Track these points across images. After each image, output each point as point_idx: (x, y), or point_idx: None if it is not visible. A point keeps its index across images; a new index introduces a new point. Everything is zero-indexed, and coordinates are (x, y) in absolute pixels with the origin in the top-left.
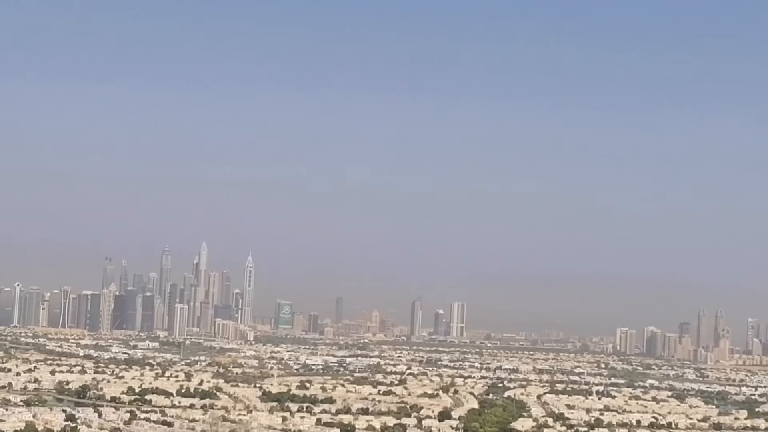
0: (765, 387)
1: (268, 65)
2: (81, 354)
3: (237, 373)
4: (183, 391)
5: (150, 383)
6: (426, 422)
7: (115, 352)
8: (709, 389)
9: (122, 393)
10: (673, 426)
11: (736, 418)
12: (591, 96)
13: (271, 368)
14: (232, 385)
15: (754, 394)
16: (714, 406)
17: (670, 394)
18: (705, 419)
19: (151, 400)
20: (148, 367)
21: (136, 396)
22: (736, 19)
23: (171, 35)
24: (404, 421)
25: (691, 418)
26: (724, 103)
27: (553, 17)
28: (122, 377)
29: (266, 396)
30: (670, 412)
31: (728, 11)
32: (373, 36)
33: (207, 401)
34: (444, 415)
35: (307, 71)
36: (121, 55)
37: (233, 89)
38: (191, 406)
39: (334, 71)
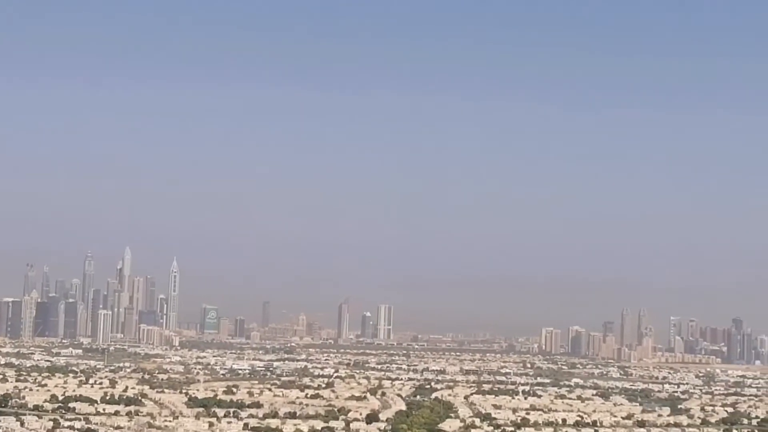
0: (687, 384)
1: (189, 62)
2: (2, 362)
3: (162, 379)
4: (107, 398)
5: (74, 390)
6: (354, 425)
7: (38, 360)
8: (633, 387)
9: (45, 401)
10: (598, 424)
11: (660, 415)
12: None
13: (197, 373)
14: (157, 391)
15: (676, 392)
16: (638, 404)
17: (594, 392)
18: (629, 417)
19: (75, 408)
20: (71, 375)
21: (60, 404)
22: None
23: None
24: (332, 424)
25: (615, 416)
26: (631, 101)
27: (552, 17)
28: (45, 385)
29: (192, 402)
30: (595, 411)
31: (728, 11)
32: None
33: (132, 408)
34: (371, 418)
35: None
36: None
37: (160, 88)
38: (116, 413)
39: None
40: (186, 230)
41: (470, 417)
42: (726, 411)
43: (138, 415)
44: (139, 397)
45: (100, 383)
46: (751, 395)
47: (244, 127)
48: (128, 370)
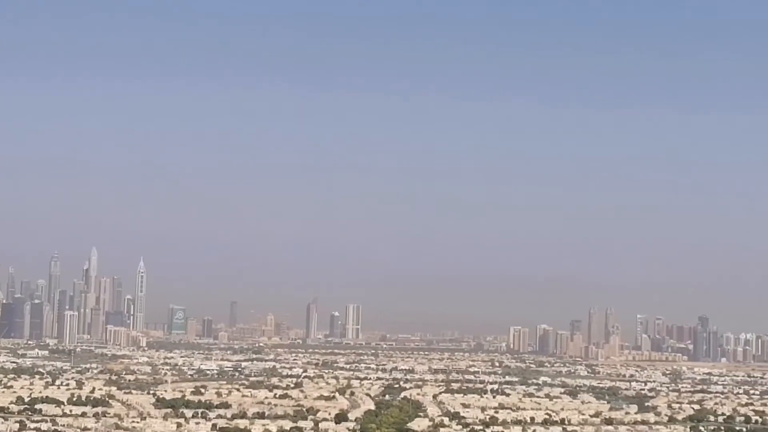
0: (654, 382)
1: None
2: None
3: (130, 380)
4: (74, 399)
5: (40, 392)
6: (322, 425)
7: (3, 361)
8: (601, 385)
9: (11, 403)
10: (566, 422)
11: (627, 413)
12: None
13: (165, 374)
14: (124, 392)
15: (643, 389)
16: (605, 402)
17: (562, 390)
18: (597, 414)
19: (41, 410)
20: (37, 376)
21: (26, 405)
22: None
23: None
24: (300, 424)
25: (583, 414)
26: (612, 99)
27: (551, 17)
28: (11, 387)
29: (160, 402)
30: (563, 409)
31: (727, 9)
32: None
33: (99, 409)
34: (340, 417)
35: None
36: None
37: (124, 89)
38: (83, 414)
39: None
40: (153, 230)
41: (439, 416)
42: (692, 408)
43: (105, 416)
44: (107, 399)
45: (67, 385)
46: (717, 393)
47: (211, 128)
48: (95, 371)
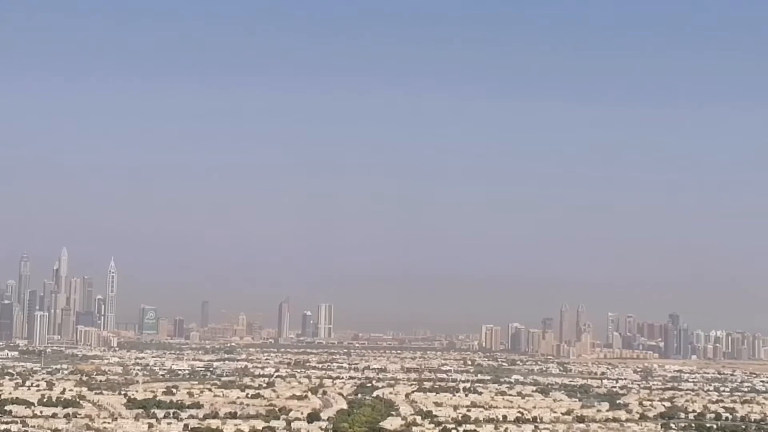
0: (625, 379)
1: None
2: None
3: (101, 381)
4: (45, 400)
5: (10, 393)
6: (295, 424)
7: None
8: (572, 383)
9: None
10: (538, 420)
11: (599, 411)
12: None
13: (136, 374)
14: (95, 393)
15: (615, 387)
16: (577, 399)
17: (534, 388)
18: (568, 412)
19: (11, 411)
20: (7, 377)
21: None
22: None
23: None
24: (273, 423)
25: (555, 412)
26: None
27: (549, 16)
28: None
29: (131, 403)
30: (535, 407)
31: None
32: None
33: (70, 410)
34: (313, 417)
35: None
36: None
37: (96, 89)
38: (54, 415)
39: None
40: (123, 230)
41: (411, 415)
42: (663, 405)
43: (76, 417)
44: (77, 399)
45: (37, 386)
46: (687, 390)
47: (183, 128)
48: (66, 371)
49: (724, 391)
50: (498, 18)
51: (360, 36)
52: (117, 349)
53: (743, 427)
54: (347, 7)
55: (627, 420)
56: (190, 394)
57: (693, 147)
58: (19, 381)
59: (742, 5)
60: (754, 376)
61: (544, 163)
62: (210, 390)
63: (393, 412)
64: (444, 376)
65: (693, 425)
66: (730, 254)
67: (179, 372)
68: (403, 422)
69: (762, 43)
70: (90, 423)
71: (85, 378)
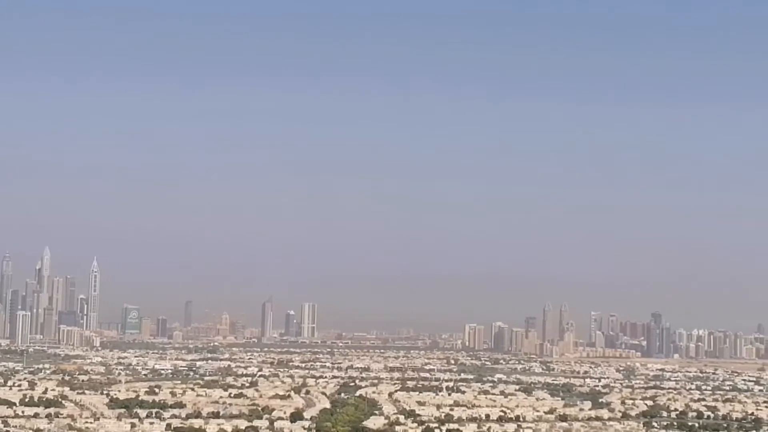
0: (608, 378)
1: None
2: None
3: (83, 380)
4: (26, 400)
5: None
6: (278, 424)
7: None
8: (555, 382)
9: None
10: (521, 419)
11: (581, 409)
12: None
13: (119, 374)
14: (78, 393)
15: (597, 385)
16: (560, 398)
17: (517, 387)
18: (551, 411)
19: None
20: None
21: None
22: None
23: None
24: (256, 423)
25: (538, 411)
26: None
27: (547, 16)
28: None
29: (114, 403)
30: (518, 406)
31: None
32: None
33: (52, 410)
34: (296, 416)
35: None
36: None
37: (77, 88)
38: (35, 415)
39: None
40: (106, 229)
41: (394, 414)
42: (646, 404)
43: (58, 417)
44: (60, 399)
45: (19, 385)
46: (669, 388)
47: (166, 128)
48: (48, 371)
49: (706, 389)
50: (497, 18)
51: (360, 36)
52: (99, 348)
53: (725, 425)
54: (347, 7)
55: (609, 419)
56: (173, 394)
57: (685, 146)
58: (1, 381)
59: (743, 5)
60: (736, 374)
61: (528, 163)
62: (193, 390)
63: (376, 412)
64: (427, 375)
65: (675, 424)
66: (712, 253)
67: (162, 372)
68: (387, 421)
69: (762, 43)
70: (72, 423)
71: (67, 378)
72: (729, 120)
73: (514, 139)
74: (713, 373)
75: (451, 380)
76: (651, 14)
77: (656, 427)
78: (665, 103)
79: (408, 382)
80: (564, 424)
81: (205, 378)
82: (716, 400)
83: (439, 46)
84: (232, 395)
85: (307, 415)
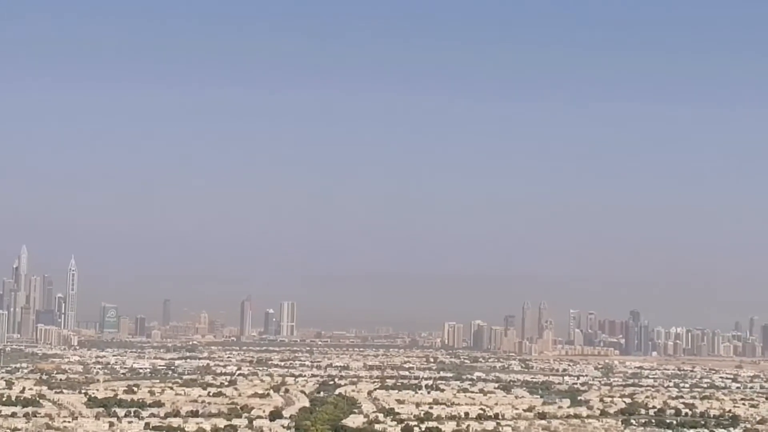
0: (587, 376)
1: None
2: None
3: (61, 380)
4: (4, 399)
5: None
6: (257, 422)
7: None
8: (534, 380)
9: None
10: (500, 417)
11: (560, 407)
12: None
13: (97, 373)
14: (56, 392)
15: (576, 383)
16: (539, 396)
17: (496, 385)
18: (530, 409)
19: None
20: None
21: None
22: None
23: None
24: (235, 422)
25: (517, 408)
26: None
27: (545, 16)
28: None
29: (92, 402)
30: (497, 404)
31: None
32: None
33: (30, 409)
34: (275, 415)
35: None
36: None
37: (55, 87)
38: (13, 414)
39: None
40: (84, 228)
41: (374, 412)
42: (624, 402)
43: (36, 416)
44: (37, 398)
45: None
46: (648, 386)
47: (140, 125)
48: (25, 370)
49: (684, 387)
50: (497, 18)
51: (359, 36)
52: (77, 347)
53: (703, 422)
54: (347, 7)
55: (588, 416)
56: (152, 393)
57: (660, 145)
58: None
59: (743, 5)
60: (714, 372)
61: (507, 163)
62: (171, 388)
63: (355, 410)
64: (406, 373)
65: (653, 421)
66: (691, 251)
67: (140, 371)
68: (366, 420)
69: (763, 42)
70: (50, 422)
71: (45, 377)
72: (705, 119)
73: (492, 138)
74: (691, 371)
75: (430, 378)
76: (650, 14)
77: (634, 425)
78: (644, 101)
79: (387, 380)
80: (543, 421)
81: (184, 377)
82: (694, 397)
83: (439, 46)
84: (210, 394)
85: (286, 413)
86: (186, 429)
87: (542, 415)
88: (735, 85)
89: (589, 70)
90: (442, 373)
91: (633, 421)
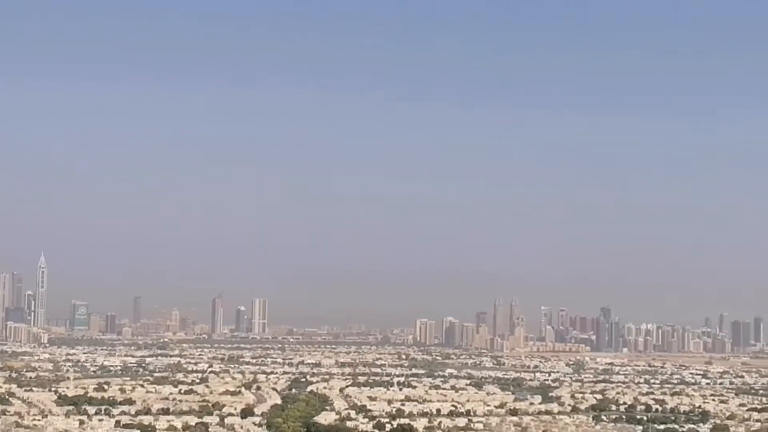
0: (558, 372)
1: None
2: None
3: (30, 377)
4: None
5: None
6: (228, 420)
7: None
8: (506, 376)
9: None
10: (472, 413)
11: (531, 404)
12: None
13: (67, 371)
14: (25, 390)
15: (547, 380)
16: (510, 393)
17: (468, 382)
18: (502, 405)
19: None
20: None
21: None
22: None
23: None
24: (206, 419)
25: (488, 405)
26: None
27: (544, 16)
28: None
29: (62, 399)
30: (468, 400)
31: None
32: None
33: None
34: (246, 412)
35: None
36: None
37: (33, 85)
38: None
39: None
40: (54, 224)
41: (346, 409)
42: (595, 398)
43: (5, 414)
44: (7, 396)
45: None
46: (618, 382)
47: (112, 125)
48: None
49: (654, 383)
50: (496, 18)
51: (358, 36)
52: (47, 345)
53: (673, 418)
54: (347, 8)
55: (559, 413)
56: (122, 391)
57: (629, 146)
58: None
59: (743, 5)
60: (684, 368)
61: (477, 161)
62: (142, 386)
63: (327, 407)
64: (378, 370)
65: (624, 417)
66: (660, 247)
67: (111, 368)
68: (338, 417)
69: (763, 42)
70: (20, 420)
71: (14, 375)
72: (681, 119)
73: (464, 138)
74: (661, 367)
75: (402, 375)
76: (648, 14)
77: (605, 421)
78: (610, 105)
79: (359, 377)
80: (514, 418)
81: (155, 374)
82: (664, 393)
83: (439, 47)
84: (182, 391)
85: (257, 410)
86: (157, 427)
87: (514, 412)
88: (721, 86)
89: (584, 71)
90: (414, 370)
91: (604, 417)
